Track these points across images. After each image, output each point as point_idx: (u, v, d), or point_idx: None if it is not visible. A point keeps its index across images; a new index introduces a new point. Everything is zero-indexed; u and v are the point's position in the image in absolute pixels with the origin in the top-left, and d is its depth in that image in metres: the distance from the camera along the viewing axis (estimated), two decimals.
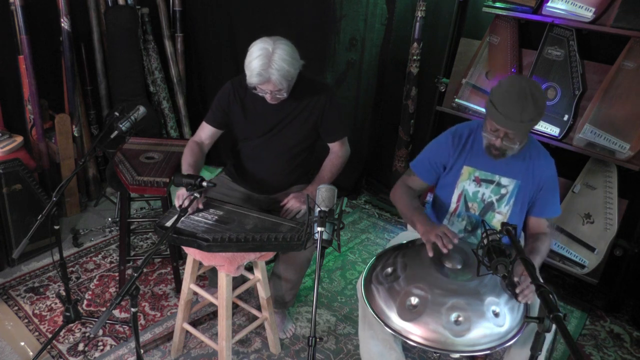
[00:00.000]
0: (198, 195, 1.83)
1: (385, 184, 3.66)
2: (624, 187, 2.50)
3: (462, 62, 2.91)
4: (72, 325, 2.36)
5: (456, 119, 2.16)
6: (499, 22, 2.74)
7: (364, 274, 1.81)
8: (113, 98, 3.39)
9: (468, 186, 1.95)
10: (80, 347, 2.28)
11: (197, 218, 1.95)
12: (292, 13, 3.33)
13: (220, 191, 2.25)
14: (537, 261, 1.77)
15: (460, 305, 1.60)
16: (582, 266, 2.56)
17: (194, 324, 2.41)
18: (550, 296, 1.33)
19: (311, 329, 1.43)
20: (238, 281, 2.31)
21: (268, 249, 1.93)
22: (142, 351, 1.76)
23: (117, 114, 2.23)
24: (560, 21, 2.46)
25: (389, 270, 1.76)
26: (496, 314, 1.61)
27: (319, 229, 1.51)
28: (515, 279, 1.64)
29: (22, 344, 2.29)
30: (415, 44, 3.06)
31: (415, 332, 1.58)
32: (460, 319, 1.58)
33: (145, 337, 2.36)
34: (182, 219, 1.87)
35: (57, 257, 2.13)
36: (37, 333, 2.35)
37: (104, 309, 2.51)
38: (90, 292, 2.61)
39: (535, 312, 1.70)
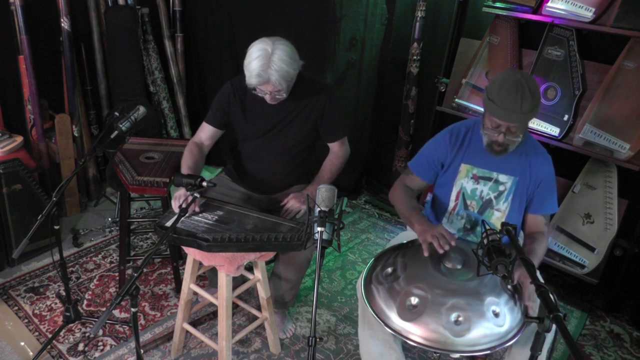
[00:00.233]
0: (198, 195, 1.83)
1: (385, 184, 3.66)
2: (624, 187, 2.50)
3: (462, 62, 2.91)
4: (72, 325, 2.36)
5: (456, 119, 2.16)
6: (499, 22, 2.74)
7: (363, 274, 1.81)
8: (113, 98, 3.39)
9: (466, 184, 1.95)
10: (80, 347, 2.28)
11: (197, 218, 1.95)
12: (292, 13, 3.33)
13: (220, 191, 2.25)
14: (535, 262, 1.77)
15: (460, 305, 1.60)
16: (582, 266, 2.56)
17: (194, 324, 2.41)
18: (550, 296, 1.33)
19: (311, 329, 1.43)
20: (238, 281, 2.31)
21: (268, 249, 1.93)
22: (142, 351, 1.76)
23: (117, 114, 2.23)
24: (560, 21, 2.46)
25: (389, 270, 1.76)
26: (496, 314, 1.61)
27: (319, 229, 1.51)
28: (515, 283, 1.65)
29: (22, 344, 2.30)
30: (415, 44, 3.06)
31: (415, 332, 1.58)
32: (460, 319, 1.58)
33: (145, 337, 2.36)
34: (182, 219, 1.87)
35: (57, 257, 2.13)
36: (37, 333, 2.35)
37: (104, 309, 2.51)
38: (90, 292, 2.61)
39: (535, 312, 1.70)
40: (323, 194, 1.58)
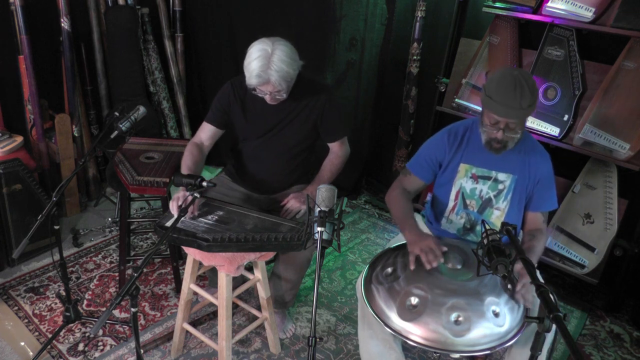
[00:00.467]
0: (198, 195, 1.83)
1: (385, 184, 3.66)
2: (624, 187, 2.50)
3: (462, 62, 2.91)
4: (72, 325, 2.36)
5: (456, 119, 2.16)
6: (499, 22, 2.74)
7: (363, 273, 1.81)
8: (113, 98, 3.39)
9: (465, 183, 1.95)
10: (80, 347, 2.28)
11: (197, 218, 1.95)
12: (292, 13, 3.33)
13: (220, 191, 2.25)
14: (533, 260, 1.77)
15: (460, 305, 1.60)
16: (582, 266, 2.56)
17: (194, 324, 2.41)
18: (550, 296, 1.33)
19: (311, 329, 1.43)
20: (238, 281, 2.31)
21: (268, 249, 1.93)
22: (142, 351, 1.76)
23: (117, 114, 2.23)
24: (560, 21, 2.46)
25: (389, 270, 1.76)
26: (496, 314, 1.61)
27: (319, 229, 1.51)
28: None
29: (22, 344, 2.30)
30: (415, 44, 3.06)
31: (415, 332, 1.58)
32: (460, 319, 1.58)
33: (145, 337, 2.36)
34: (182, 219, 1.87)
35: (57, 257, 2.13)
36: (37, 333, 2.35)
37: (104, 309, 2.51)
38: (90, 292, 2.61)
39: (535, 312, 1.70)
40: (323, 194, 1.58)
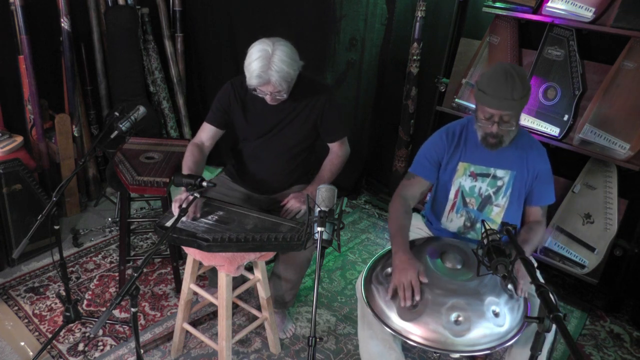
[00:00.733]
0: (198, 195, 1.83)
1: (385, 184, 3.66)
2: (624, 187, 2.50)
3: (462, 62, 2.91)
4: (72, 325, 2.36)
5: (456, 119, 2.16)
6: (499, 22, 2.74)
7: (363, 273, 1.81)
8: (113, 98, 3.39)
9: (464, 182, 1.95)
10: (80, 347, 2.28)
11: (197, 218, 1.95)
12: (292, 13, 3.33)
13: (220, 191, 2.25)
14: (527, 250, 1.78)
15: (460, 305, 1.60)
16: (582, 266, 2.56)
17: (194, 324, 2.41)
18: (550, 296, 1.33)
19: (311, 329, 1.43)
20: (238, 281, 2.31)
21: (268, 249, 1.93)
22: (142, 351, 1.76)
23: (117, 114, 2.23)
24: (560, 21, 2.46)
25: (389, 270, 1.76)
26: (496, 314, 1.61)
27: (319, 229, 1.51)
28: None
29: (22, 344, 2.30)
30: (415, 44, 3.06)
31: (415, 332, 1.58)
32: (460, 319, 1.58)
33: (145, 337, 2.36)
34: (182, 219, 1.87)
35: (57, 257, 2.13)
36: (37, 333, 2.35)
37: (104, 309, 2.51)
38: (90, 292, 2.61)
39: (535, 312, 1.70)
40: (323, 194, 1.58)
